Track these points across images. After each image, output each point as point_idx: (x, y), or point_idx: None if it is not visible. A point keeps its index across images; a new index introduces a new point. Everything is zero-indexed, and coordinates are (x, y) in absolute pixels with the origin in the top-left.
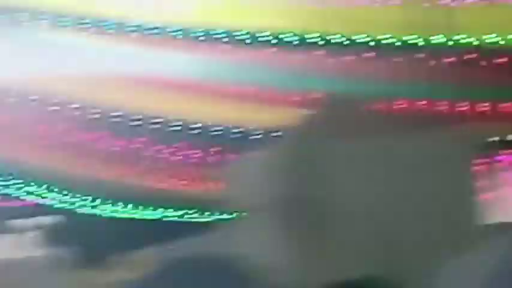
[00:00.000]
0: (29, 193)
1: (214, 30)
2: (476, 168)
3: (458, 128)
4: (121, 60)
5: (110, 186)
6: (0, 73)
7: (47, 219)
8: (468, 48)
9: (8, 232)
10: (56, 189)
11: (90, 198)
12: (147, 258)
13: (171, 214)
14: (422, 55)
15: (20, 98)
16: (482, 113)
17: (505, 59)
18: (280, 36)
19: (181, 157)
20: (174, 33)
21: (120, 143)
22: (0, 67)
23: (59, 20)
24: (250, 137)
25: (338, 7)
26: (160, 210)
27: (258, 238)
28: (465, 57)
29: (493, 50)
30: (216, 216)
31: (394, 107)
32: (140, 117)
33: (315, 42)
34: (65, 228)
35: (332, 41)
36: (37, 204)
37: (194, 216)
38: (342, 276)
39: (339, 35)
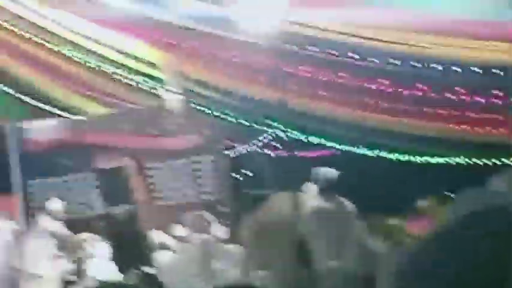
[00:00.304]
0: (326, 139)
1: None
2: None
3: None
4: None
5: (403, 133)
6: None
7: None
8: None
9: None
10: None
11: (376, 145)
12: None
13: (457, 160)
14: None
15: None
16: None
17: None
18: None
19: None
20: None
21: (406, 90)
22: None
23: None
24: None
25: None
26: (451, 154)
27: None
28: None
29: None
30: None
31: None
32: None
33: None
34: (353, 175)
35: None
36: (331, 152)
37: (479, 161)
38: None
39: None
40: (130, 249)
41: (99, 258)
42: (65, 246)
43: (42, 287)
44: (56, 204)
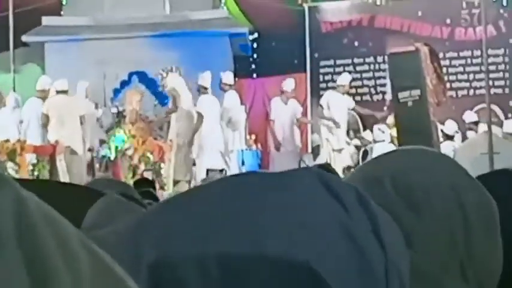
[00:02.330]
0: None
1: None
2: None
3: None
4: None
5: None
6: None
7: None
8: None
9: None
10: None
11: None
12: None
13: None
14: None
15: None
16: None
17: None
18: None
19: None
20: None
21: None
22: None
23: None
24: None
25: None
26: None
27: None
28: None
29: None
30: None
31: None
32: None
33: None
34: None
35: None
36: None
37: None
38: None
39: None
40: (414, 134)
41: (383, 142)
42: (352, 125)
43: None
44: (342, 79)
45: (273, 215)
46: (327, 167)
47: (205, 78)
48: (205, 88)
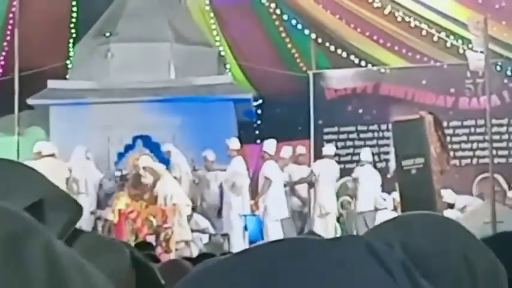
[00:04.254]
0: None
1: None
2: None
3: None
4: None
5: None
6: None
7: None
8: None
9: None
10: None
11: None
12: None
13: None
14: None
15: None
16: None
17: None
18: None
19: None
20: None
21: None
22: None
23: None
24: None
25: None
26: None
27: None
28: None
29: None
30: None
31: None
32: None
33: None
34: None
35: None
36: None
37: None
38: None
39: None
40: (418, 203)
41: (386, 209)
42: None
43: (328, 221)
44: (328, 148)
45: (324, 281)
46: (312, 233)
47: (270, 146)
48: (270, 155)
